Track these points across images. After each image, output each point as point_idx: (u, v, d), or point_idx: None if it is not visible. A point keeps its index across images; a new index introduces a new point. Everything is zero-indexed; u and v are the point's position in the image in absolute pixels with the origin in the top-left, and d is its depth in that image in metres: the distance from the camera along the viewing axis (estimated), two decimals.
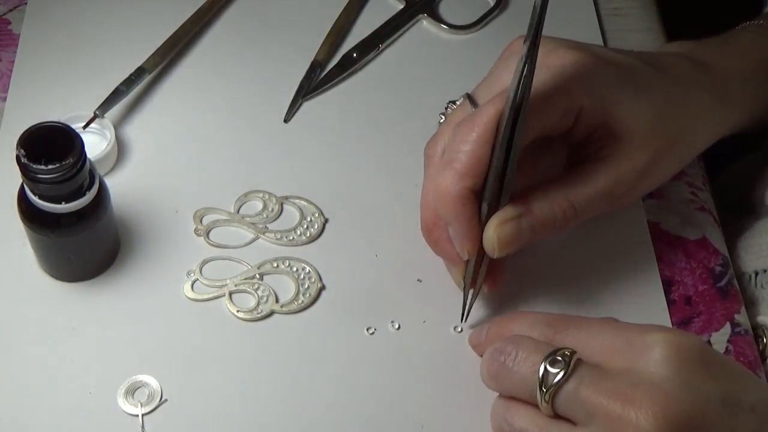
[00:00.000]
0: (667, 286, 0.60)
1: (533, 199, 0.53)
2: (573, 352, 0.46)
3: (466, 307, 0.56)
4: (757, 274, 0.61)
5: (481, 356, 0.51)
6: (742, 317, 0.59)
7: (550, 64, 0.53)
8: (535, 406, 0.47)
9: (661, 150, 0.55)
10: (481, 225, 0.53)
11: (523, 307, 0.58)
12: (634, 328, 0.47)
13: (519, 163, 0.52)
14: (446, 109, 0.61)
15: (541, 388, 0.46)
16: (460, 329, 0.57)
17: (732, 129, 0.61)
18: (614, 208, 0.56)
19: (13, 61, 0.66)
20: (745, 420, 0.45)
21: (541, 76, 0.52)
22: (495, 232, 0.52)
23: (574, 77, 0.53)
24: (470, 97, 0.57)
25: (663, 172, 0.57)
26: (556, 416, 0.46)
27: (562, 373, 0.45)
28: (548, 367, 0.46)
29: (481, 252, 0.54)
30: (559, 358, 0.46)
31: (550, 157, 0.57)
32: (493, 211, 0.53)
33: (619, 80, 0.54)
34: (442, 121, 0.61)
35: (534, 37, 0.47)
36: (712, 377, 0.45)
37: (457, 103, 0.59)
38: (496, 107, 0.51)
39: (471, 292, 0.56)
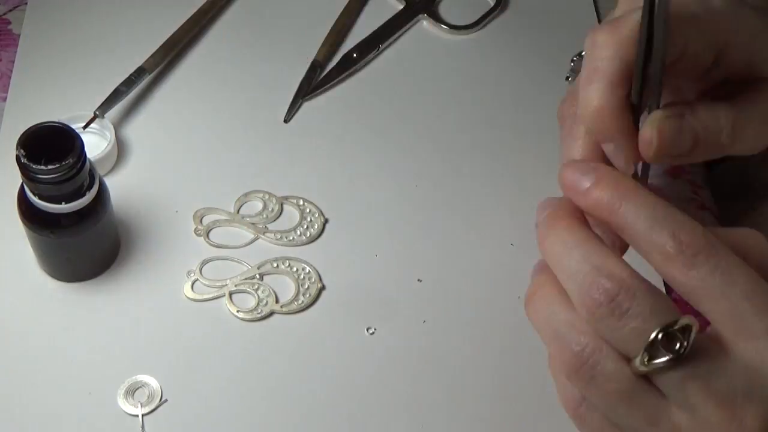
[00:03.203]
0: (668, 285, 0.60)
1: (697, 103, 0.45)
2: (692, 329, 0.37)
3: None
4: None
5: (578, 203, 0.43)
6: None
7: None
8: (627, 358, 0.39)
9: None
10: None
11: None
12: None
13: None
14: (572, 63, 0.51)
15: (643, 361, 0.38)
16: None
17: None
18: None
19: (13, 61, 0.66)
20: None
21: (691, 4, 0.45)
22: (654, 127, 0.44)
23: (720, 13, 0.46)
24: None
25: None
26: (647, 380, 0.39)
27: (671, 356, 0.37)
28: (659, 345, 0.37)
29: None
30: (676, 335, 0.37)
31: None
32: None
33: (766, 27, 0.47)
34: (570, 80, 0.51)
35: None
36: None
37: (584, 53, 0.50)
38: (637, 16, 0.44)
39: None
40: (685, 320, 0.37)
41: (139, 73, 0.64)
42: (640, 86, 0.44)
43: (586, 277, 0.39)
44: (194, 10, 0.69)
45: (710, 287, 0.37)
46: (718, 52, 0.46)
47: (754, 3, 0.48)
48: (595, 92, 0.44)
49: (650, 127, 0.45)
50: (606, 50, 0.44)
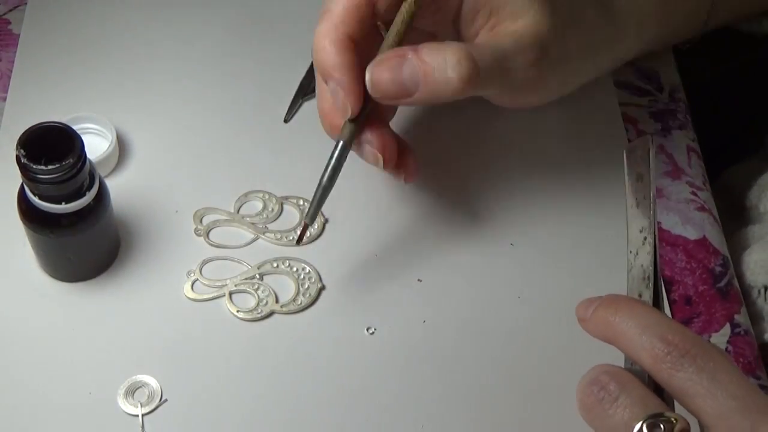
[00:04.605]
0: (668, 285, 0.60)
1: (426, 45, 0.49)
2: (677, 421, 0.38)
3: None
4: (766, 289, 0.61)
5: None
6: (742, 317, 0.59)
7: None
8: None
9: (551, 25, 0.52)
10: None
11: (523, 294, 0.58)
12: None
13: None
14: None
15: None
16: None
17: (624, 50, 0.61)
18: (514, 91, 0.54)
19: (13, 61, 0.66)
20: None
21: None
22: (370, 67, 0.49)
23: None
24: None
25: (560, 61, 0.54)
26: None
27: None
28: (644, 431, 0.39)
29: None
30: (661, 425, 0.38)
31: None
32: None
33: None
34: None
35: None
36: None
37: None
38: None
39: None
40: (670, 414, 0.38)
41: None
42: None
43: (587, 381, 0.41)
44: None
45: (697, 387, 0.38)
46: None
47: None
48: (320, 29, 0.49)
49: (368, 69, 0.49)
50: None
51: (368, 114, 0.52)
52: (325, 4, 0.50)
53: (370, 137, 0.53)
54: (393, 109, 0.58)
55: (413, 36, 0.52)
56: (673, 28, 0.64)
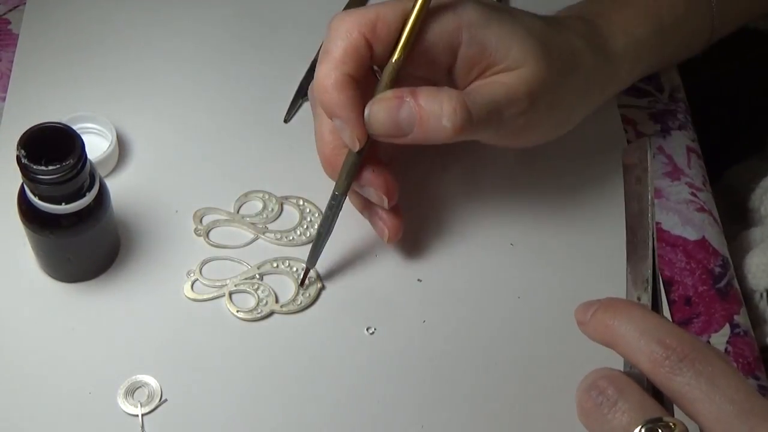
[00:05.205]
0: (668, 286, 0.60)
1: (424, 90, 0.51)
2: (675, 426, 0.39)
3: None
4: None
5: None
6: (741, 318, 0.59)
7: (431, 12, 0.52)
8: None
9: (546, 77, 0.53)
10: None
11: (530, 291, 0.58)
12: None
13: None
14: None
15: None
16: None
17: (620, 84, 0.62)
18: (504, 137, 0.55)
19: (13, 61, 0.66)
20: None
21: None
22: (369, 107, 0.51)
23: (450, 16, 0.52)
24: None
25: (553, 108, 0.55)
26: None
27: None
28: None
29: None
30: (660, 430, 0.38)
31: None
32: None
33: (496, 14, 0.53)
34: None
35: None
36: None
37: None
38: (376, 9, 0.51)
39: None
40: (669, 419, 0.39)
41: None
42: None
43: (585, 386, 0.41)
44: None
45: (695, 391, 0.39)
46: (453, 50, 0.52)
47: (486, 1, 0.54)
48: (322, 70, 0.51)
49: (367, 107, 0.51)
50: (336, 33, 0.51)
51: (367, 160, 0.54)
52: (325, 45, 0.52)
53: (372, 179, 0.55)
54: (392, 153, 0.58)
55: (409, 82, 0.53)
56: (670, 57, 0.65)
